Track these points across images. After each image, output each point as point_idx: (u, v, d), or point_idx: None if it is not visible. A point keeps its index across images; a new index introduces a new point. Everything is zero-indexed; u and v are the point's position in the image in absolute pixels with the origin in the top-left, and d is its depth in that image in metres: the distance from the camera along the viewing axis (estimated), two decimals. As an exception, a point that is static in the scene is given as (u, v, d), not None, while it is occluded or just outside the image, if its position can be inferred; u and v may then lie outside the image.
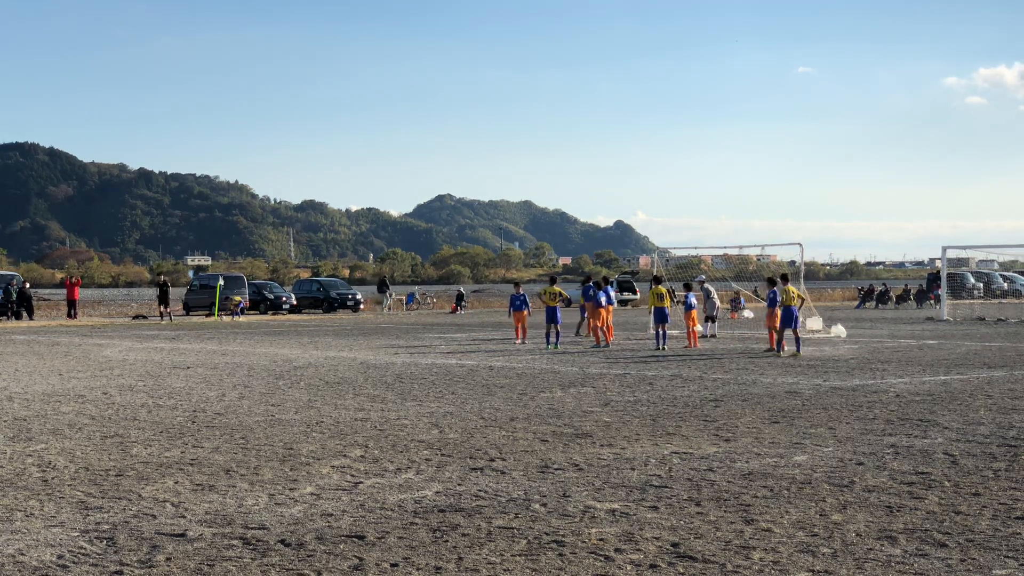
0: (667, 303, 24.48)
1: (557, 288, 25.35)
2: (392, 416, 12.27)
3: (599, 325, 25.03)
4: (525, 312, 26.71)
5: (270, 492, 7.94)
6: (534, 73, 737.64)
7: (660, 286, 24.84)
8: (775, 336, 22.07)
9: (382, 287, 58.40)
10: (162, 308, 45.80)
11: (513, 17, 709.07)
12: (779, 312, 21.74)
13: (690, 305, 25.11)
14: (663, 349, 23.46)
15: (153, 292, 53.85)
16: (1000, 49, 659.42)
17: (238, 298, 49.14)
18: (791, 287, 22.07)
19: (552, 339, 24.48)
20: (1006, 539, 6.40)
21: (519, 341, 26.08)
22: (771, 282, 22.92)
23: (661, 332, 24.20)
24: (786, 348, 21.64)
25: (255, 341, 28.42)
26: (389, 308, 56.04)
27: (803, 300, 23.23)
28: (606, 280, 28.20)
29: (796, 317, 21.59)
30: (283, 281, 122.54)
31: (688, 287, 26.53)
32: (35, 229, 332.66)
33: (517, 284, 28.37)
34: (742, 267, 50.13)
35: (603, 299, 25.18)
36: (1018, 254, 57.61)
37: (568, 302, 39.08)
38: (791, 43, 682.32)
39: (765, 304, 23.62)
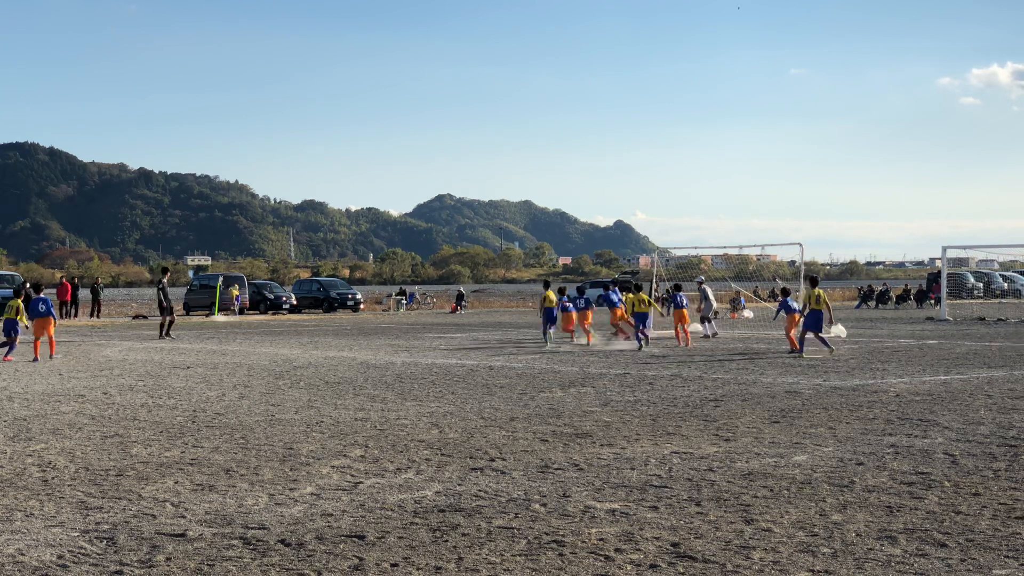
0: (647, 308, 24.94)
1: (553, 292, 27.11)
2: (392, 416, 12.27)
3: (616, 323, 26.18)
4: (590, 312, 26.94)
5: (270, 492, 7.93)
6: (534, 73, 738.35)
7: (641, 292, 25.77)
8: (805, 337, 21.94)
9: (400, 292, 63.41)
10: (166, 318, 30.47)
11: (513, 17, 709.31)
12: (797, 317, 22.06)
13: (679, 304, 25.43)
14: (647, 346, 24.11)
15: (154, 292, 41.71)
16: (993, 49, 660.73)
17: (236, 291, 49.60)
18: (820, 290, 21.95)
19: (548, 339, 25.30)
20: (1006, 539, 6.40)
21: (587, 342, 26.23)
22: (813, 282, 22.83)
23: (641, 335, 24.53)
24: (809, 349, 21.53)
25: (255, 341, 28.41)
26: (409, 309, 60.00)
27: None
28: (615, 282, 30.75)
29: (820, 321, 21.56)
30: (283, 281, 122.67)
31: (678, 287, 26.99)
32: (35, 229, 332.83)
33: (582, 289, 29.26)
34: (742, 267, 50.16)
35: (615, 298, 26.46)
36: (1018, 254, 57.67)
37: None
38: (783, 45, 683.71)
39: (776, 305, 23.95)
